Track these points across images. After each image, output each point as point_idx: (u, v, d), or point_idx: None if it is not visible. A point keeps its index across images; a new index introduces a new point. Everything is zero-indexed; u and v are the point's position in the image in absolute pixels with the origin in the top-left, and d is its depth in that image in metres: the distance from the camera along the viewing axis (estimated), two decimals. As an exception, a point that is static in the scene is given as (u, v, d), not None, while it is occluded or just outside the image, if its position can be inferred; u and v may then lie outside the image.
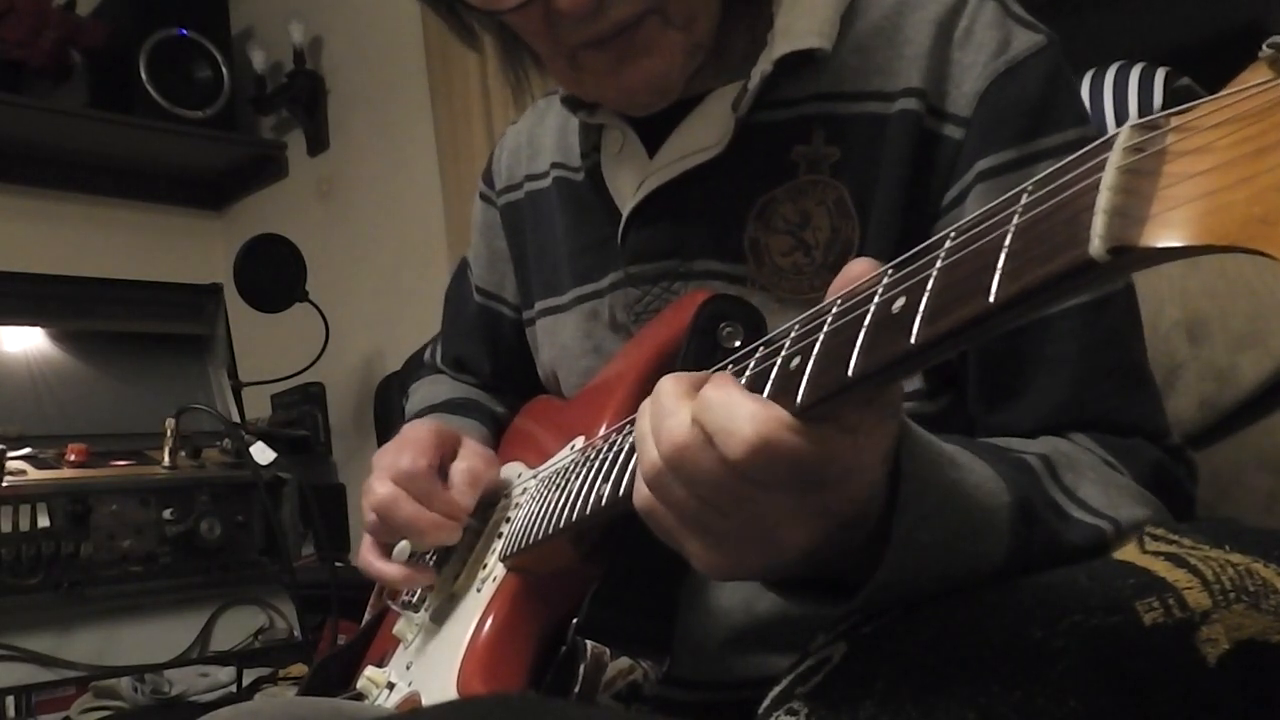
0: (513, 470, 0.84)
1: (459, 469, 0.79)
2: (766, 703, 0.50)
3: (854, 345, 0.40)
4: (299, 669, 1.79)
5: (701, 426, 0.45)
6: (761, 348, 0.48)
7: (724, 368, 0.51)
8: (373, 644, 0.92)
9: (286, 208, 2.98)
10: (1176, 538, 0.55)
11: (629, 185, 0.80)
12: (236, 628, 1.89)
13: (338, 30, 2.81)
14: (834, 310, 0.44)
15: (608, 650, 0.62)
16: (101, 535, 1.73)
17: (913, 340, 0.37)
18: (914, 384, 0.72)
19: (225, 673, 1.80)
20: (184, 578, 1.84)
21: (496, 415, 0.97)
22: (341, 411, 2.69)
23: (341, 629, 1.68)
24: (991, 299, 0.35)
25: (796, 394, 0.42)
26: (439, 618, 0.77)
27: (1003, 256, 0.35)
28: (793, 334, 0.46)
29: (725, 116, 0.74)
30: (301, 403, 2.63)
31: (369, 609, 0.98)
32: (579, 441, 0.73)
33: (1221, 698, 0.46)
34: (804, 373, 0.43)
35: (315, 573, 1.92)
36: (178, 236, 3.09)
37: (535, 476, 0.76)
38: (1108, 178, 0.32)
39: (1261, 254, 0.28)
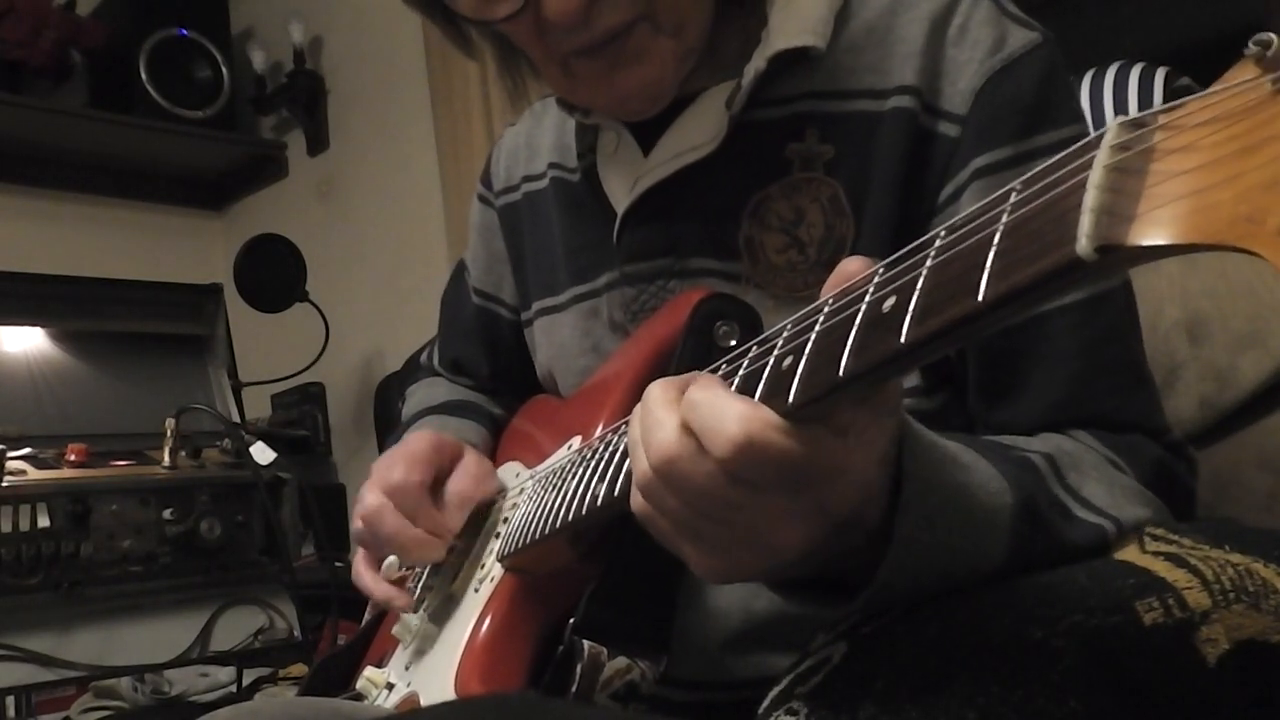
0: (510, 470, 0.84)
1: (451, 489, 0.79)
2: (766, 703, 0.50)
3: (844, 345, 0.40)
4: (299, 669, 1.79)
5: (689, 427, 0.45)
6: (755, 347, 0.48)
7: (718, 367, 0.51)
8: (372, 644, 0.92)
9: (286, 208, 2.98)
10: (1176, 538, 0.55)
11: (624, 185, 0.80)
12: (236, 628, 1.89)
13: (338, 30, 2.81)
14: (826, 309, 0.44)
15: (605, 650, 0.62)
16: (101, 535, 1.73)
17: (902, 340, 0.37)
18: (911, 381, 0.72)
19: (225, 673, 1.80)
20: (184, 578, 1.84)
21: (495, 417, 0.97)
22: (341, 411, 2.69)
23: (341, 629, 1.69)
24: (980, 298, 0.35)
25: (788, 394, 0.42)
26: (437, 618, 0.77)
27: (991, 256, 0.35)
28: (785, 333, 0.46)
29: (719, 115, 0.74)
30: (301, 403, 2.63)
31: (369, 609, 0.98)
32: (576, 441, 0.73)
33: (1221, 698, 0.46)
34: (796, 373, 0.43)
35: (315, 573, 1.92)
36: (178, 236, 3.09)
37: (533, 477, 0.76)
38: (1095, 176, 0.32)
39: (1248, 252, 0.28)
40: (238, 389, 2.24)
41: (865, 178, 0.71)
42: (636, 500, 0.50)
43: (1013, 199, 0.36)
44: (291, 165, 2.98)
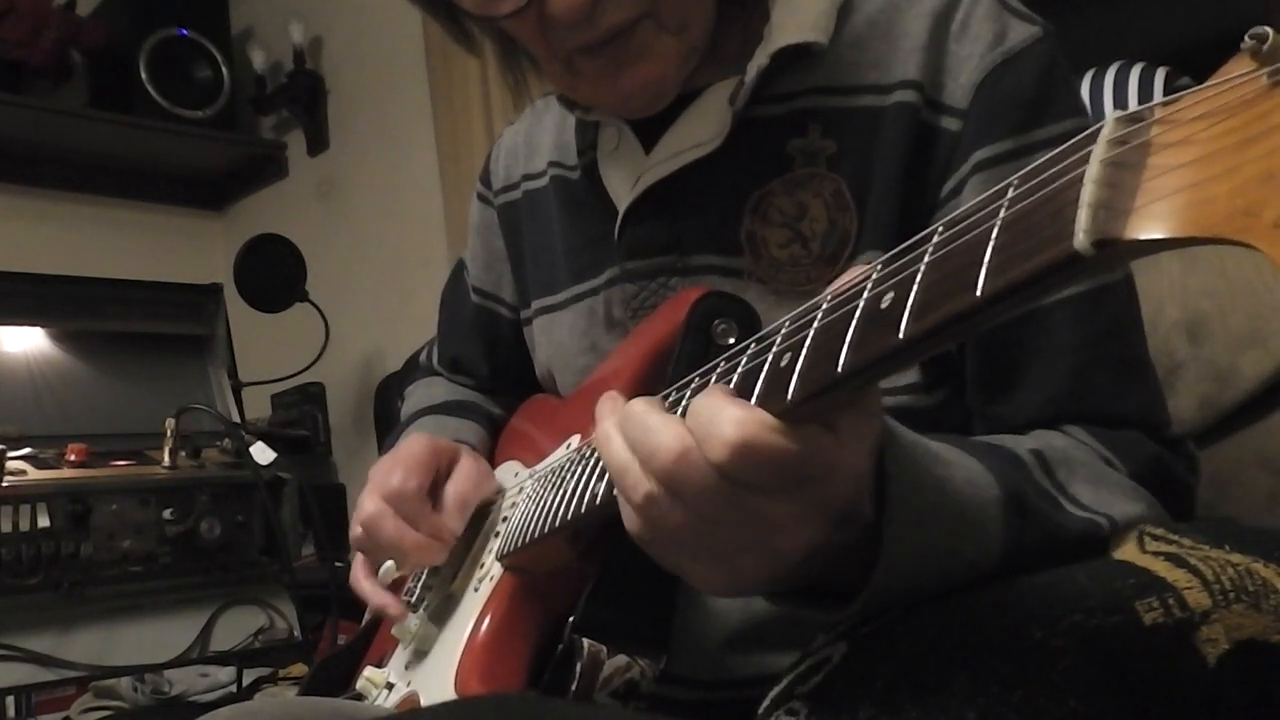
0: (509, 470, 0.84)
1: (450, 492, 0.79)
2: (766, 703, 0.50)
3: (843, 341, 0.40)
4: (299, 669, 1.79)
5: (692, 433, 0.45)
6: (754, 344, 0.48)
7: (717, 364, 0.51)
8: (372, 644, 0.92)
9: (286, 208, 2.98)
10: (1176, 538, 0.55)
11: (625, 181, 0.80)
12: (236, 628, 1.89)
13: (338, 30, 2.81)
14: (824, 306, 0.44)
15: (604, 648, 0.62)
16: (101, 535, 1.73)
17: (900, 335, 0.37)
18: (910, 377, 0.72)
19: (225, 673, 1.80)
20: (184, 578, 1.84)
21: (493, 416, 0.97)
22: (341, 411, 2.69)
23: (341, 629, 1.68)
24: (978, 293, 0.35)
25: (787, 391, 0.42)
26: (437, 618, 0.77)
27: (989, 251, 0.35)
28: (783, 330, 0.46)
29: (722, 111, 0.74)
30: (301, 403, 2.63)
31: (369, 610, 0.98)
32: (575, 440, 0.73)
33: (1221, 698, 0.46)
34: (794, 370, 0.43)
35: (315, 573, 1.92)
36: (178, 236, 3.09)
37: (532, 476, 0.76)
38: (1092, 170, 0.32)
39: (1244, 245, 0.28)
40: (238, 389, 2.24)
41: (868, 173, 0.71)
42: (633, 519, 0.49)
43: (1010, 194, 0.36)
44: (291, 165, 2.98)
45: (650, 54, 0.71)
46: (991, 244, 0.35)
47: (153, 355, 2.17)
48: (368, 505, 0.77)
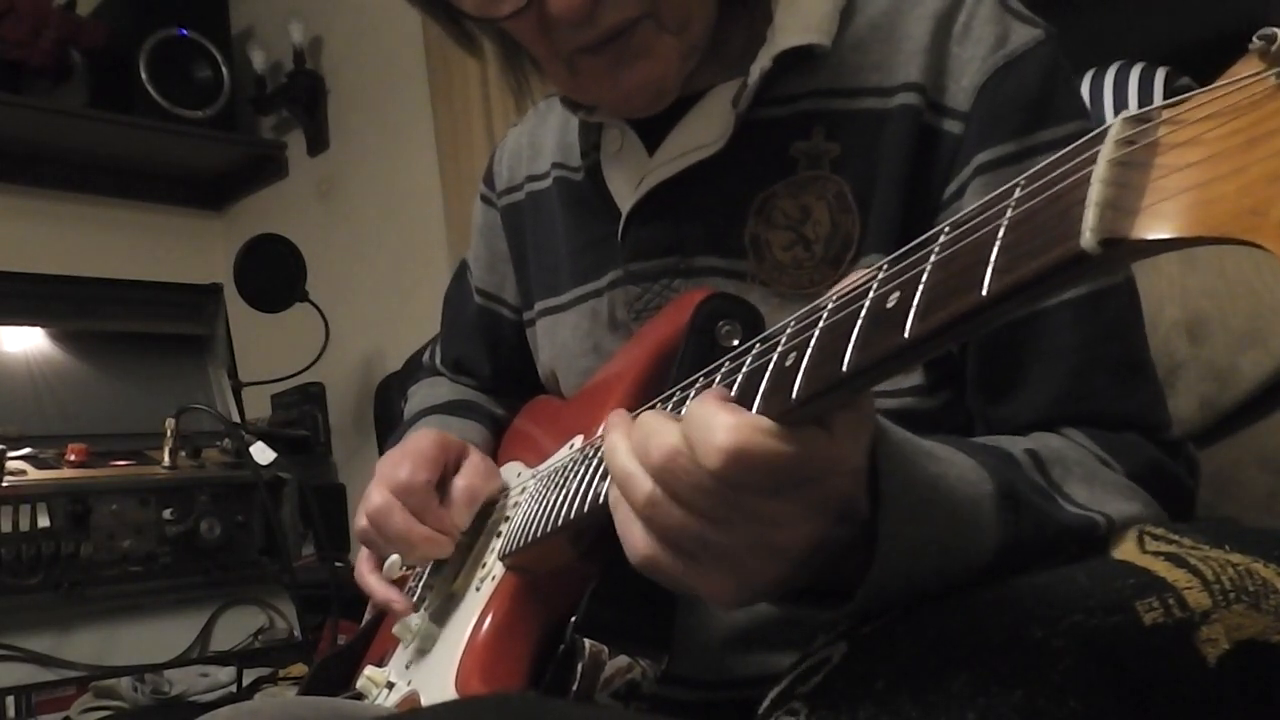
0: (512, 470, 0.84)
1: (459, 486, 0.79)
2: (766, 703, 0.50)
3: (848, 341, 0.40)
4: (299, 669, 1.78)
5: (686, 438, 0.45)
6: (758, 345, 0.48)
7: (722, 364, 0.51)
8: (373, 644, 0.92)
9: (286, 208, 2.98)
10: (1176, 537, 0.55)
11: (629, 183, 0.80)
12: (236, 628, 1.89)
13: (338, 30, 2.81)
14: (829, 307, 0.44)
15: (606, 649, 0.62)
16: (101, 535, 1.73)
17: (906, 335, 0.37)
18: (913, 379, 0.72)
19: (225, 673, 1.80)
20: (184, 578, 1.84)
21: (496, 417, 0.97)
22: (341, 411, 2.69)
23: (341, 629, 1.68)
24: (984, 292, 0.35)
25: (792, 390, 0.42)
26: (438, 617, 0.77)
27: (995, 250, 0.35)
28: (789, 331, 0.46)
29: (725, 113, 0.74)
30: (301, 403, 2.63)
31: (369, 609, 0.98)
32: (578, 441, 0.73)
33: (1221, 698, 0.46)
34: (799, 369, 0.43)
35: (315, 573, 1.92)
36: (178, 236, 3.09)
37: (534, 476, 0.76)
38: (1099, 170, 0.32)
39: (1252, 245, 0.28)
40: (238, 389, 2.24)
41: (871, 175, 0.72)
42: (638, 545, 0.48)
43: (1017, 194, 0.36)
44: (291, 165, 2.98)
45: (651, 53, 0.71)
46: (998, 243, 0.35)
47: (153, 355, 2.17)
48: (375, 498, 0.77)
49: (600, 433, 0.67)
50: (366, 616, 0.97)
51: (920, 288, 0.38)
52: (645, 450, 0.47)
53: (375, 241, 2.71)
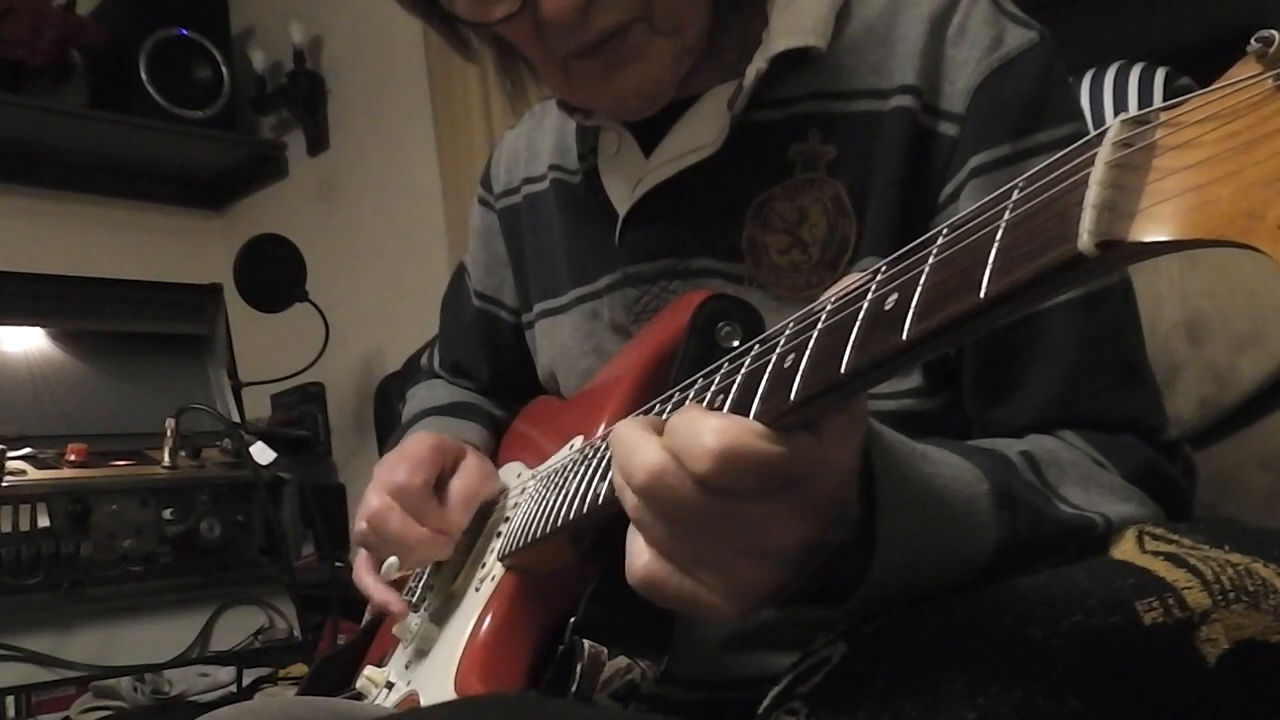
0: (512, 470, 0.84)
1: (455, 487, 0.79)
2: (766, 703, 0.50)
3: (846, 343, 0.40)
4: (299, 669, 1.78)
5: (670, 452, 0.44)
6: (757, 346, 0.48)
7: (720, 365, 0.51)
8: (373, 643, 0.92)
9: (286, 208, 2.97)
10: (1176, 537, 0.55)
11: (625, 186, 0.80)
12: (236, 628, 1.89)
13: (338, 30, 2.81)
14: (828, 308, 0.44)
15: (605, 650, 0.62)
16: (101, 535, 1.73)
17: (904, 336, 0.37)
18: (912, 381, 0.72)
19: (225, 673, 1.80)
20: (184, 578, 1.84)
21: (495, 418, 0.97)
22: (341, 411, 2.69)
23: (341, 629, 1.68)
24: (982, 294, 0.35)
25: (790, 392, 0.42)
26: (438, 617, 0.77)
27: (993, 252, 0.35)
28: (787, 332, 0.46)
29: (721, 115, 0.74)
30: (301, 403, 2.63)
31: (369, 609, 0.98)
32: (578, 442, 0.73)
33: (1221, 697, 0.46)
34: (798, 371, 0.43)
35: (315, 573, 1.92)
36: (178, 236, 3.09)
37: (534, 477, 0.76)
38: (1097, 172, 0.32)
39: (1248, 247, 0.28)
40: (238, 389, 2.24)
41: (867, 178, 0.72)
42: (633, 565, 0.48)
43: (1015, 196, 0.36)
44: (291, 165, 2.98)
45: (644, 56, 0.71)
46: (996, 245, 0.35)
47: (153, 355, 2.18)
48: (373, 500, 0.77)
49: (600, 434, 0.67)
50: (366, 617, 0.97)
51: (919, 289, 0.38)
52: (629, 470, 0.46)
53: (375, 241, 2.71)
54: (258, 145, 3.00)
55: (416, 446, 0.80)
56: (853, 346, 0.40)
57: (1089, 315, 0.68)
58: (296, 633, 1.89)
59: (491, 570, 0.73)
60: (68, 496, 1.70)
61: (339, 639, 1.66)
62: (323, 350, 2.46)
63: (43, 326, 2.09)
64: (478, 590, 0.74)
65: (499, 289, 0.98)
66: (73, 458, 1.77)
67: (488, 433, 0.93)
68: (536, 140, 0.92)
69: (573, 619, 0.63)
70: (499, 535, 0.76)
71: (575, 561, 0.66)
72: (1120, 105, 1.22)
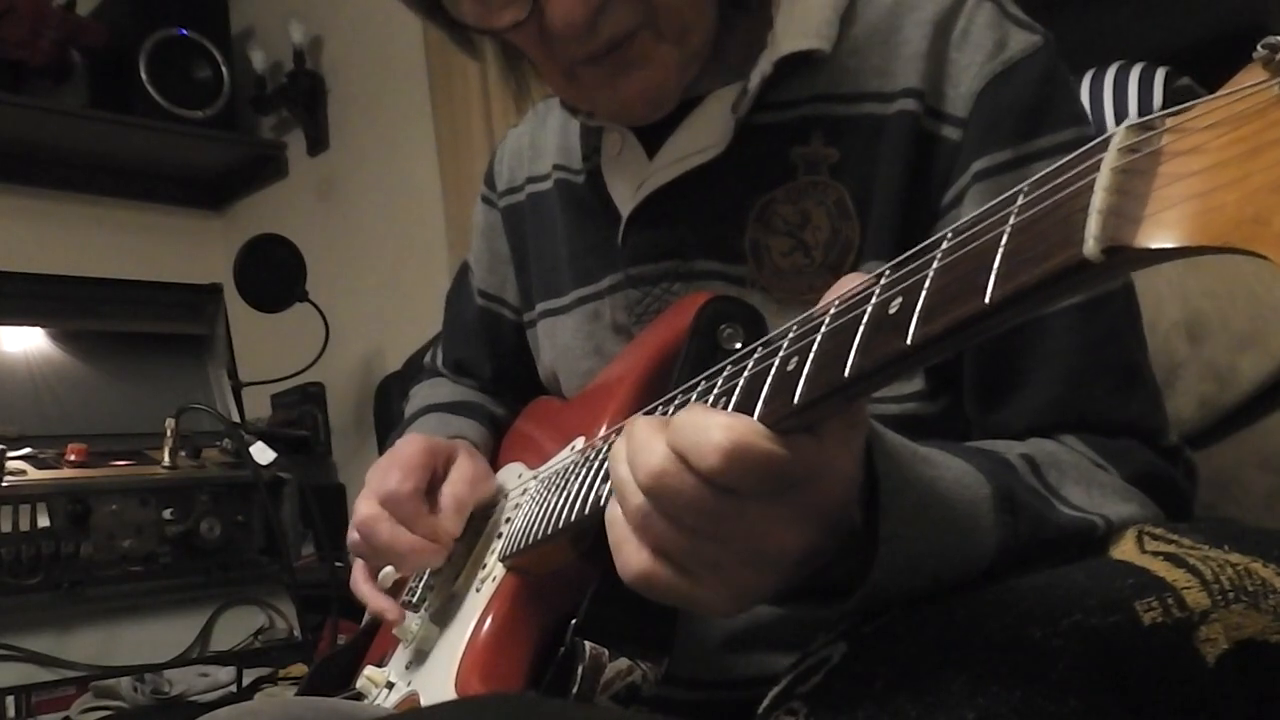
0: (513, 471, 0.84)
1: (447, 492, 0.78)
2: (766, 703, 0.50)
3: (850, 346, 0.40)
4: (299, 669, 1.79)
5: (675, 450, 0.45)
6: (760, 349, 0.49)
7: (724, 368, 0.51)
8: (373, 643, 0.92)
9: (286, 208, 2.98)
10: (1176, 537, 0.55)
11: (629, 187, 0.80)
12: (236, 628, 1.89)
13: (338, 30, 2.81)
14: (831, 312, 0.44)
15: (606, 651, 0.62)
16: (101, 535, 1.73)
17: (909, 340, 0.37)
18: (914, 385, 0.72)
19: (225, 673, 1.80)
20: (184, 578, 1.84)
21: (496, 417, 0.97)
22: (341, 411, 2.69)
23: (341, 629, 1.68)
24: (987, 299, 0.35)
25: (794, 395, 0.42)
26: (438, 618, 0.77)
27: (998, 257, 0.35)
28: (790, 335, 0.46)
29: (725, 118, 0.74)
30: (301, 403, 2.63)
31: (368, 611, 0.98)
32: (579, 442, 0.73)
33: (1221, 697, 0.46)
34: (801, 374, 0.43)
35: (315, 573, 1.92)
36: (178, 236, 3.09)
37: (535, 477, 0.76)
38: (1102, 178, 0.32)
39: (1255, 254, 0.28)
40: (238, 389, 2.24)
41: (870, 181, 0.71)
42: (631, 563, 0.48)
43: (1020, 201, 0.36)
44: (291, 165, 2.98)
45: (650, 62, 0.71)
46: (1001, 250, 0.35)
47: (153, 355, 2.18)
48: (363, 509, 0.77)
49: (602, 435, 0.67)
50: (366, 617, 0.97)
51: (923, 294, 0.38)
52: (635, 465, 0.47)
53: (375, 241, 2.71)
54: (258, 145, 3.00)
55: (407, 451, 0.79)
56: (856, 350, 0.40)
57: (1090, 319, 0.68)
58: (296, 633, 1.89)
59: (492, 571, 0.73)
60: (68, 496, 1.70)
61: (339, 639, 1.66)
62: (323, 350, 2.46)
63: (43, 326, 2.09)
64: (478, 591, 0.74)
65: (501, 287, 0.98)
66: (73, 458, 1.77)
67: (487, 431, 0.93)
68: (540, 138, 0.92)
69: (574, 621, 0.63)
70: (500, 536, 0.76)
71: (576, 563, 0.66)
72: (1120, 105, 1.22)
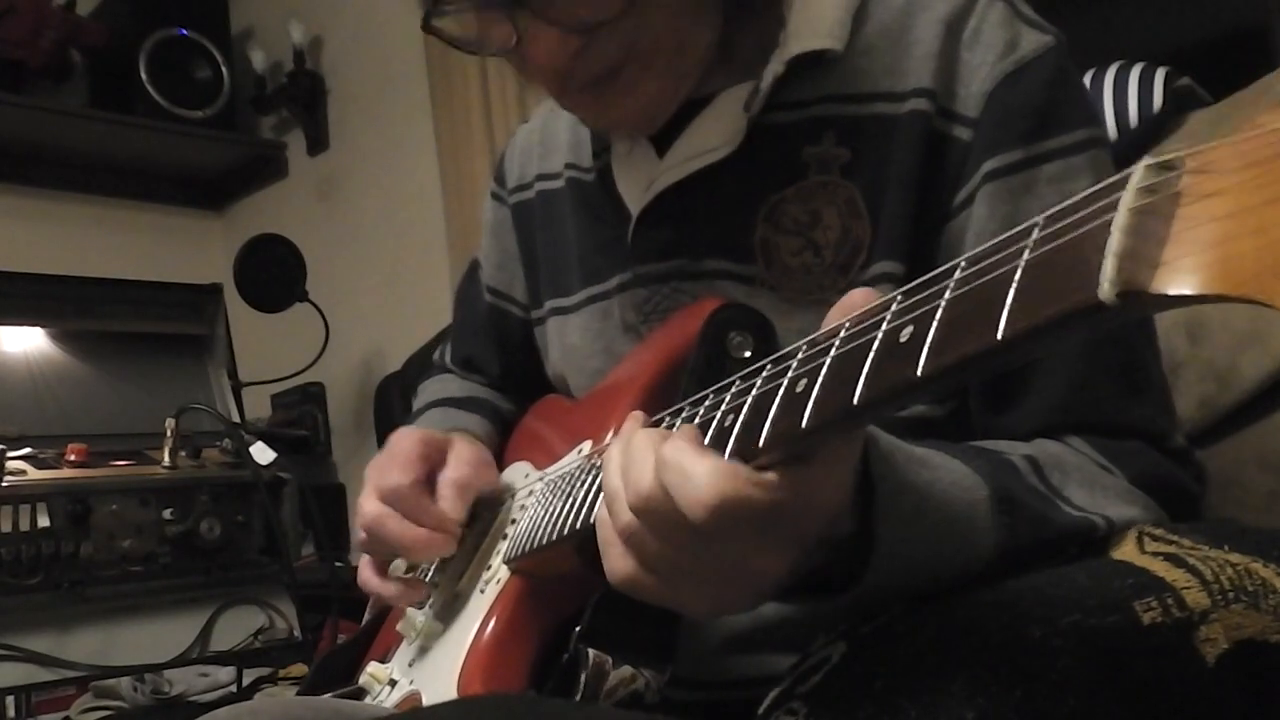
0: (519, 470, 0.84)
1: (446, 479, 0.78)
2: (767, 703, 0.50)
3: (860, 372, 0.40)
4: (299, 669, 1.79)
5: (663, 485, 0.46)
6: (769, 366, 0.48)
7: (732, 383, 0.51)
8: (377, 638, 0.92)
9: (286, 208, 2.98)
10: (1176, 538, 0.55)
11: (638, 185, 0.80)
12: (236, 628, 1.89)
13: (338, 30, 2.81)
14: (841, 334, 0.43)
15: (610, 659, 0.62)
16: (101, 535, 1.73)
17: (919, 372, 0.37)
18: None
19: (225, 673, 1.80)
20: (184, 578, 1.84)
21: (503, 413, 0.97)
22: (341, 411, 2.69)
23: (341, 629, 1.68)
24: (999, 335, 0.34)
25: (802, 418, 0.42)
26: (443, 616, 0.77)
27: (1012, 292, 0.35)
28: (800, 355, 0.46)
29: (736, 117, 0.74)
30: (301, 403, 2.63)
31: (369, 609, 0.98)
32: (586, 446, 0.73)
33: (1221, 697, 0.46)
34: (810, 397, 0.43)
35: (315, 573, 1.92)
36: (178, 236, 3.09)
37: (542, 479, 0.76)
38: (1120, 218, 0.32)
39: (1274, 307, 0.27)
40: (238, 389, 2.23)
41: (881, 181, 0.71)
42: (618, 568, 0.50)
43: (1035, 235, 0.35)
44: (291, 165, 2.98)
45: (635, 92, 0.72)
46: (1015, 285, 0.35)
47: (153, 355, 2.17)
48: (367, 507, 0.77)
49: (608, 440, 0.67)
50: (367, 616, 0.97)
51: (934, 324, 0.38)
52: (627, 481, 0.48)
53: (375, 241, 2.71)
54: (258, 145, 3.00)
55: (403, 445, 0.79)
56: (866, 376, 0.40)
57: None
58: (296, 633, 1.89)
59: (497, 573, 0.73)
60: (68, 496, 1.70)
61: (339, 639, 1.66)
62: (323, 350, 2.46)
63: (43, 326, 2.09)
64: (483, 592, 0.74)
65: (510, 284, 0.97)
66: (73, 458, 1.77)
67: (493, 426, 0.93)
68: (552, 134, 0.92)
69: (578, 628, 0.63)
70: (505, 537, 0.76)
71: (581, 569, 0.66)
72: (1120, 105, 1.22)
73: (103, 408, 2.06)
